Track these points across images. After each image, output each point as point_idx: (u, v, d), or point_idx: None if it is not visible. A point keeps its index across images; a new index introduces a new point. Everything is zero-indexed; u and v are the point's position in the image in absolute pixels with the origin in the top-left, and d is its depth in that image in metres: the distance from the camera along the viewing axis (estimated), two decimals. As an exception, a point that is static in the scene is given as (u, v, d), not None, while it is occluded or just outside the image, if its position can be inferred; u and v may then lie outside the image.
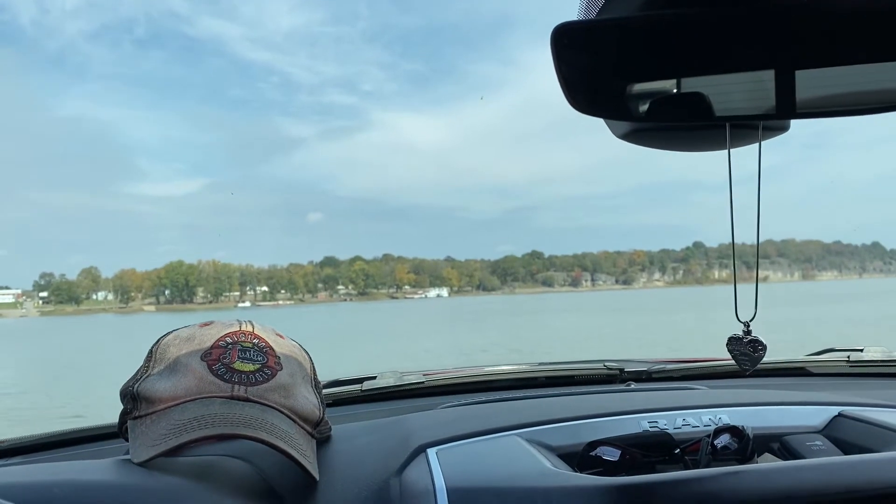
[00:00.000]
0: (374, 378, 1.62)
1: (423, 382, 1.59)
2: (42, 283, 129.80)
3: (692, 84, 0.90)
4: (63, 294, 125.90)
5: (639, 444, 1.01)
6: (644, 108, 0.92)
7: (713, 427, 1.04)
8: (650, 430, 1.07)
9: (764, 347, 1.01)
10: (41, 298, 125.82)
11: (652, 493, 0.84)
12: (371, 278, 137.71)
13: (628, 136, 1.08)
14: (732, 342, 1.02)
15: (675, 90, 0.91)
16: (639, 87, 0.91)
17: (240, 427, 0.90)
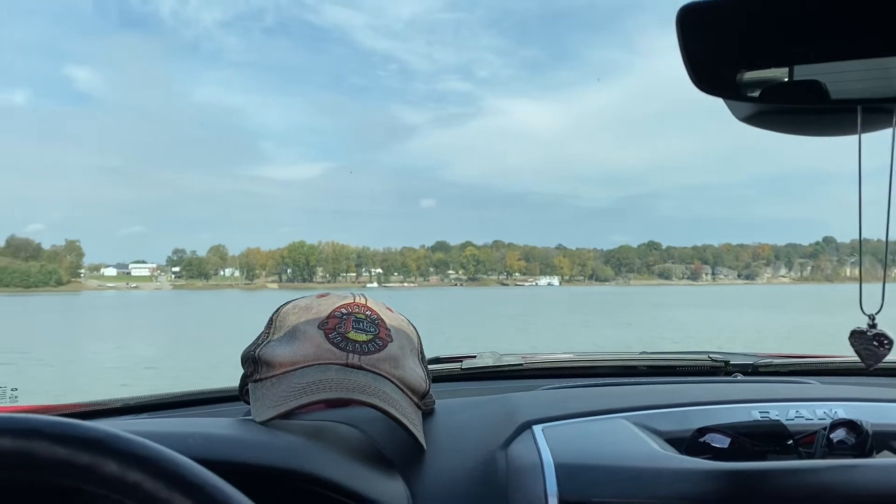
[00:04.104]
0: (474, 357, 1.65)
1: (521, 365, 1.60)
2: (175, 258, 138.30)
3: (816, 65, 0.87)
4: (194, 269, 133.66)
5: (750, 433, 0.98)
6: (768, 89, 0.89)
7: (828, 421, 0.99)
8: (761, 420, 1.03)
9: (891, 342, 0.94)
10: (174, 273, 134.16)
11: (763, 480, 0.83)
12: (481, 264, 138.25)
13: (751, 119, 1.05)
14: (855, 336, 0.96)
15: (799, 71, 0.88)
16: (763, 68, 0.88)
17: (355, 392, 0.94)
